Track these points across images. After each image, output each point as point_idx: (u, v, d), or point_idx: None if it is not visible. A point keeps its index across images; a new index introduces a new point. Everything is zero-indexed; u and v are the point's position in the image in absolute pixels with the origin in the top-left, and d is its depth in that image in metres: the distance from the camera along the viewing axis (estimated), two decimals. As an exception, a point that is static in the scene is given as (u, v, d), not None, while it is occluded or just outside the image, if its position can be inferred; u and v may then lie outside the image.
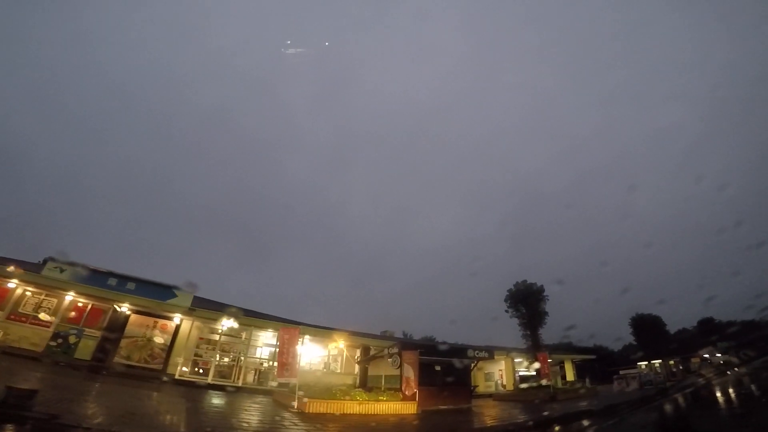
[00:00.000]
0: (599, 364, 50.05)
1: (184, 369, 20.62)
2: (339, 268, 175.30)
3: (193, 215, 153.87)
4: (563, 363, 42.19)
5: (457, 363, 19.79)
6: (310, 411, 13.27)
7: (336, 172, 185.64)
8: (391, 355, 18.22)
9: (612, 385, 30.61)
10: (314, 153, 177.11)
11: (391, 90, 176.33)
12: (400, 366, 17.15)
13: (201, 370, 21.12)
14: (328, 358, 25.09)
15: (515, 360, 34.32)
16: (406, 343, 17.68)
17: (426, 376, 17.65)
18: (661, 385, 28.08)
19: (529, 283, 30.86)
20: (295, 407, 13.37)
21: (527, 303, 29.75)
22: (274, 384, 19.95)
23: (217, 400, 14.44)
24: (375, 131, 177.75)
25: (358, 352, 25.09)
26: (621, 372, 34.86)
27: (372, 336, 25.58)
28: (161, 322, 22.17)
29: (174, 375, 19.79)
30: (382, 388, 18.19)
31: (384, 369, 19.33)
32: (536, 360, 26.28)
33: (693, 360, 48.88)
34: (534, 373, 29.34)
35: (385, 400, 15.33)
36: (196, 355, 21.80)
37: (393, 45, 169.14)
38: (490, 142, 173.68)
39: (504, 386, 34.16)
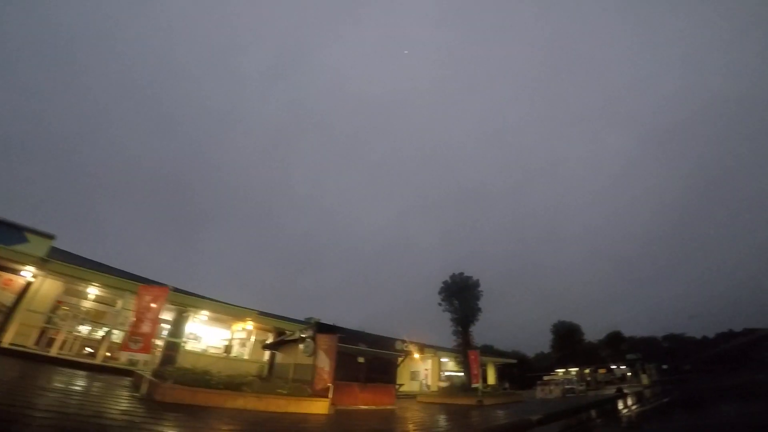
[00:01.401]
0: (518, 369, 49.81)
1: (25, 337, 14.86)
2: (271, 253, 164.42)
3: (114, 176, 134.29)
4: (486, 366, 40.96)
5: (384, 355, 16.25)
6: (166, 399, 8.86)
7: (281, 153, 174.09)
8: (303, 339, 14.15)
9: (534, 390, 28.98)
10: (261, 130, 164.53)
11: (352, 80, 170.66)
12: (314, 353, 13.15)
13: (49, 341, 15.46)
14: (233, 342, 20.34)
15: (442, 360, 31.76)
16: (325, 327, 13.72)
17: (345, 368, 13.88)
18: (583, 393, 26.82)
19: (465, 276, 28.31)
20: (143, 393, 8.91)
21: (462, 297, 27.14)
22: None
23: (40, 378, 9.39)
24: (328, 118, 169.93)
25: (271, 338, 20.66)
26: (545, 378, 33.60)
27: (288, 319, 21.08)
28: (5, 276, 16.14)
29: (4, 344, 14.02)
30: (290, 380, 14.10)
31: (296, 357, 15.22)
32: (466, 359, 23.57)
33: (600, 371, 50.25)
34: (462, 373, 26.75)
35: (285, 394, 11.26)
36: (48, 321, 16.03)
37: (362, 36, 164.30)
38: (441, 147, 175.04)
39: (429, 386, 31.44)
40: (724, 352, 56.09)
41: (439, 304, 28.04)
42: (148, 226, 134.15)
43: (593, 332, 60.56)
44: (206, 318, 18.76)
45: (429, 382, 32.30)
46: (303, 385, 12.54)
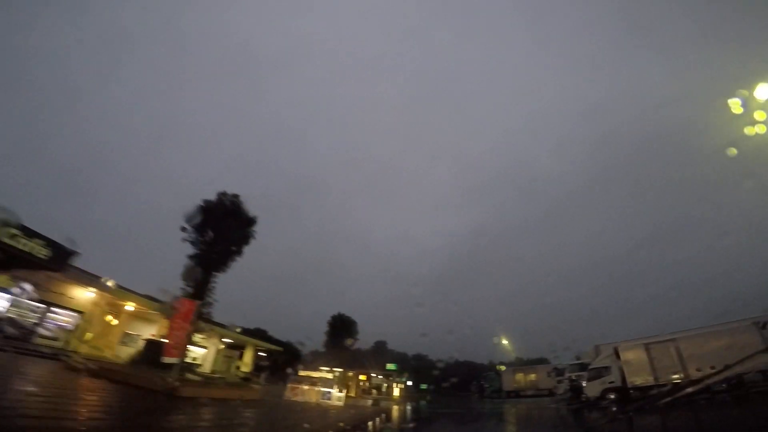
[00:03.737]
0: (285, 360, 39.18)
1: None
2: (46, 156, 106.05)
3: None
4: (245, 348, 29.32)
5: None
6: None
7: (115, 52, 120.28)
8: None
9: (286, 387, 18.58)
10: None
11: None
12: None
13: None
14: None
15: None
16: None
17: None
18: (340, 401, 17.68)
19: (238, 202, 16.30)
20: None
21: (224, 226, 15.06)
22: None
23: None
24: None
25: None
26: (299, 374, 23.58)
27: None
28: None
29: None
30: None
31: None
32: (171, 309, 11.39)
33: (361, 377, 44.71)
34: (161, 339, 13.94)
35: None
36: None
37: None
38: (307, 125, 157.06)
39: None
40: (454, 379, 59.51)
41: (183, 229, 15.07)
42: None
43: (364, 339, 55.54)
44: None
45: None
46: None
